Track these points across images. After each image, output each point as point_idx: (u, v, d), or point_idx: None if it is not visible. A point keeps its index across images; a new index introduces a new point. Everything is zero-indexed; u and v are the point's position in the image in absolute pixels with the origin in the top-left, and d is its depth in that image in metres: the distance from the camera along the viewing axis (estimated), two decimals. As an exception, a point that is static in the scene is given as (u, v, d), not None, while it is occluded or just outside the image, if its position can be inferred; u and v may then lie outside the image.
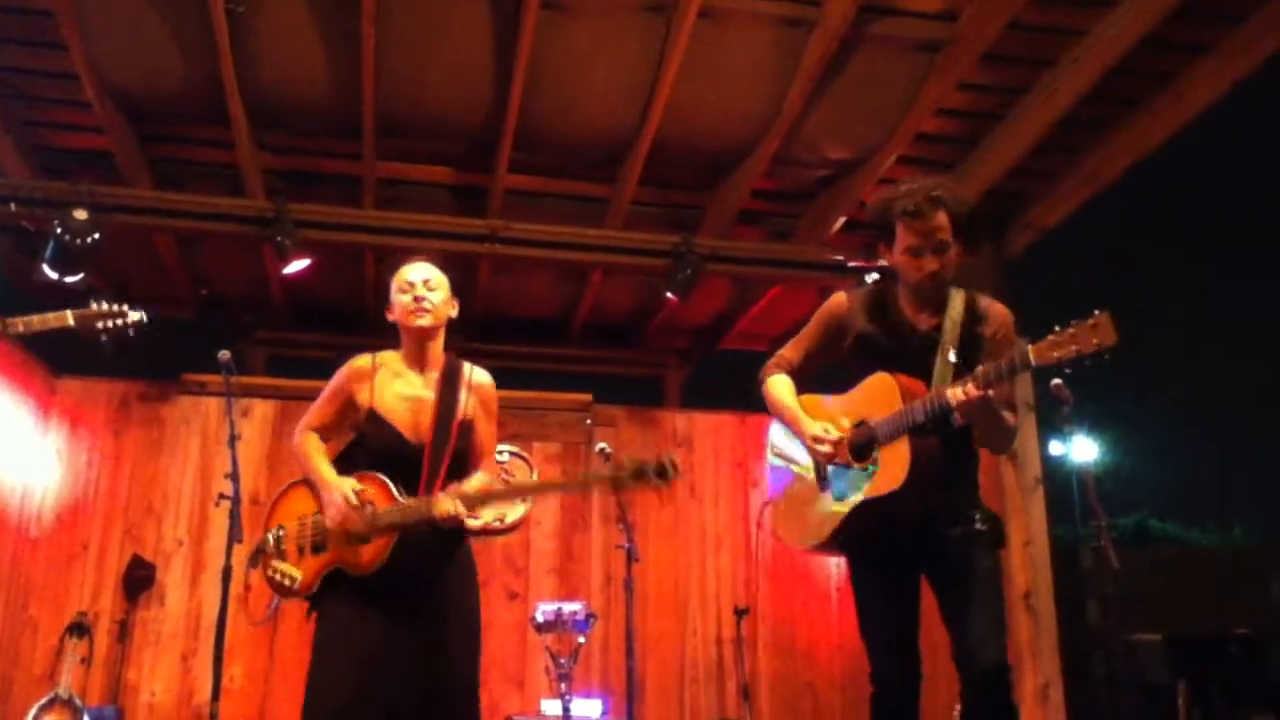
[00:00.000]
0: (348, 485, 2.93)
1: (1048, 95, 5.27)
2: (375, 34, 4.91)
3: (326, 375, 3.22)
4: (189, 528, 6.35)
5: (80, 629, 5.92)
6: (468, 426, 3.09)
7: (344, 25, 4.96)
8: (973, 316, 2.84)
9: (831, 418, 2.91)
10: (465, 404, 3.10)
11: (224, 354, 4.10)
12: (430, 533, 2.90)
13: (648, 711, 6.41)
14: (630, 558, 4.60)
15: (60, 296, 5.98)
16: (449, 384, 3.11)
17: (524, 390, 7.01)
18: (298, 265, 5.79)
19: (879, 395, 2.80)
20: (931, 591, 2.86)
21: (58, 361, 6.41)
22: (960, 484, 2.86)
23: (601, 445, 4.69)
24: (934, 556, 2.83)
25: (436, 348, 3.17)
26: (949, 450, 2.75)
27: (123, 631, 6.05)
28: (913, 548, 2.84)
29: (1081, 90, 5.10)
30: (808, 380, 3.12)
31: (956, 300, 2.84)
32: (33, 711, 5.52)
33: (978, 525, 2.81)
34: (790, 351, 3.12)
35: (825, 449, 2.85)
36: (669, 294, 6.10)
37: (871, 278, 6.02)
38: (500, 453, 6.25)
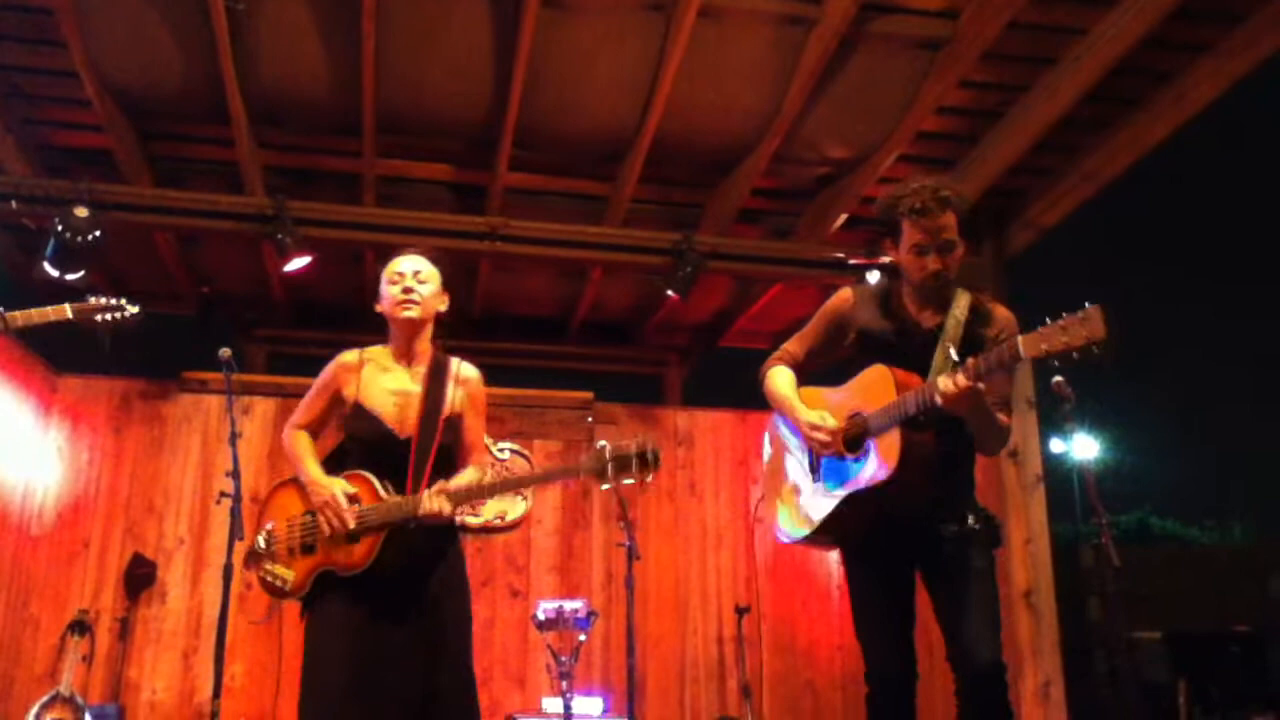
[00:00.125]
0: (337, 486, 2.92)
1: (1048, 94, 5.27)
2: (375, 31, 4.91)
3: (325, 370, 3.20)
4: (190, 526, 6.36)
5: (81, 627, 5.92)
6: (455, 421, 3.07)
7: (344, 22, 4.95)
8: (977, 317, 2.84)
9: (829, 409, 2.91)
10: (452, 398, 3.08)
11: (224, 352, 4.09)
12: (419, 531, 2.89)
13: (649, 710, 6.42)
14: (631, 556, 4.60)
15: (61, 294, 6.01)
16: (436, 378, 3.08)
17: (525, 388, 7.02)
18: (298, 263, 5.79)
19: (874, 387, 2.80)
20: (926, 590, 2.86)
21: (59, 359, 6.41)
22: (955, 482, 2.85)
23: (602, 443, 4.67)
24: (928, 554, 2.83)
25: (424, 341, 3.14)
26: (943, 446, 2.75)
27: (124, 629, 6.06)
28: (907, 545, 2.84)
29: (1082, 89, 5.10)
30: (811, 374, 3.13)
31: (961, 300, 2.85)
32: (34, 709, 5.52)
33: (972, 524, 2.80)
34: (794, 345, 3.14)
35: (821, 437, 2.85)
36: (669, 292, 6.10)
37: (872, 275, 6.02)
38: (501, 450, 6.28)
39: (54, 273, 5.40)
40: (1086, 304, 2.35)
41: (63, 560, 6.19)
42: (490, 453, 6.44)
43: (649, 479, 2.87)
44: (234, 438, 4.04)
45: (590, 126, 5.71)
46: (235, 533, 3.95)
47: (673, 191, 6.52)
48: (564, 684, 4.81)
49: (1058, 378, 4.04)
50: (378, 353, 3.13)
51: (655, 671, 6.56)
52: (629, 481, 2.90)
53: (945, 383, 2.58)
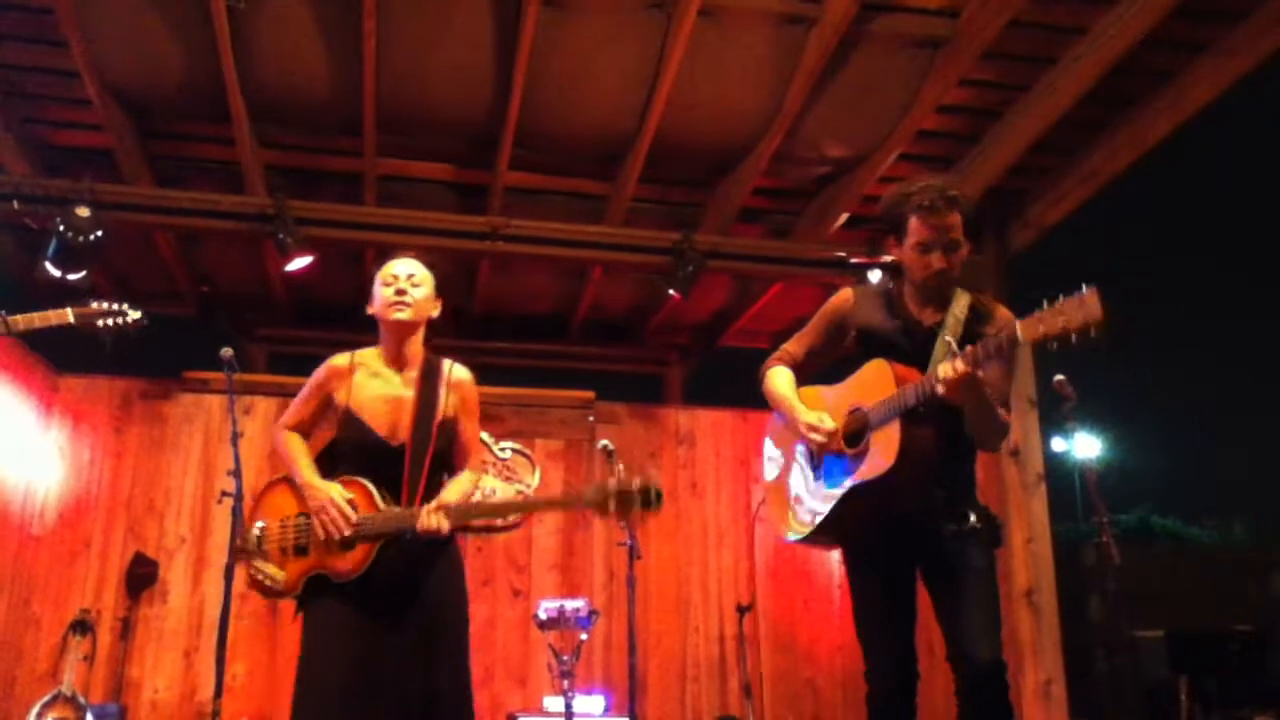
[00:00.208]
0: (335, 492, 2.89)
1: (1049, 93, 5.27)
2: (376, 30, 4.91)
3: (317, 371, 3.19)
4: (191, 525, 6.36)
5: (83, 626, 5.93)
6: (448, 426, 3.05)
7: (345, 21, 4.95)
8: (977, 315, 2.84)
9: (829, 407, 2.91)
10: (445, 403, 3.06)
11: (226, 351, 4.09)
12: (415, 539, 2.87)
13: (650, 708, 6.42)
14: (632, 555, 4.60)
15: (62, 294, 6.01)
16: (428, 382, 3.06)
17: (526, 388, 7.02)
18: (299, 262, 5.80)
19: (874, 382, 2.80)
20: (926, 590, 2.86)
21: (60, 359, 6.42)
22: (956, 480, 2.85)
23: (604, 442, 4.69)
24: (929, 553, 2.82)
25: (415, 345, 3.10)
26: (943, 442, 2.75)
27: (125, 629, 6.07)
28: (907, 544, 2.83)
29: (1082, 88, 5.09)
30: (810, 374, 3.12)
31: (961, 300, 2.85)
32: (35, 709, 5.52)
33: (973, 523, 2.80)
34: (793, 345, 3.13)
35: (819, 437, 2.85)
36: (670, 291, 6.10)
37: (873, 275, 6.02)
38: (503, 450, 6.28)
39: (55, 272, 5.40)
40: (1083, 286, 2.34)
41: (64, 559, 6.19)
42: (491, 451, 6.43)
43: (648, 516, 2.87)
44: (235, 437, 4.04)
45: (591, 126, 5.72)
46: (236, 532, 3.96)
47: (673, 191, 6.52)
48: (565, 683, 4.81)
49: (1059, 376, 4.04)
50: (368, 356, 3.10)
51: (656, 670, 6.56)
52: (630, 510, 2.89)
53: (945, 369, 2.58)
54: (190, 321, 7.90)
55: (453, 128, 5.77)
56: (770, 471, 3.19)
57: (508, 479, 5.91)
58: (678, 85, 5.27)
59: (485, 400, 3.29)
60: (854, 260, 6.15)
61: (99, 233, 5.32)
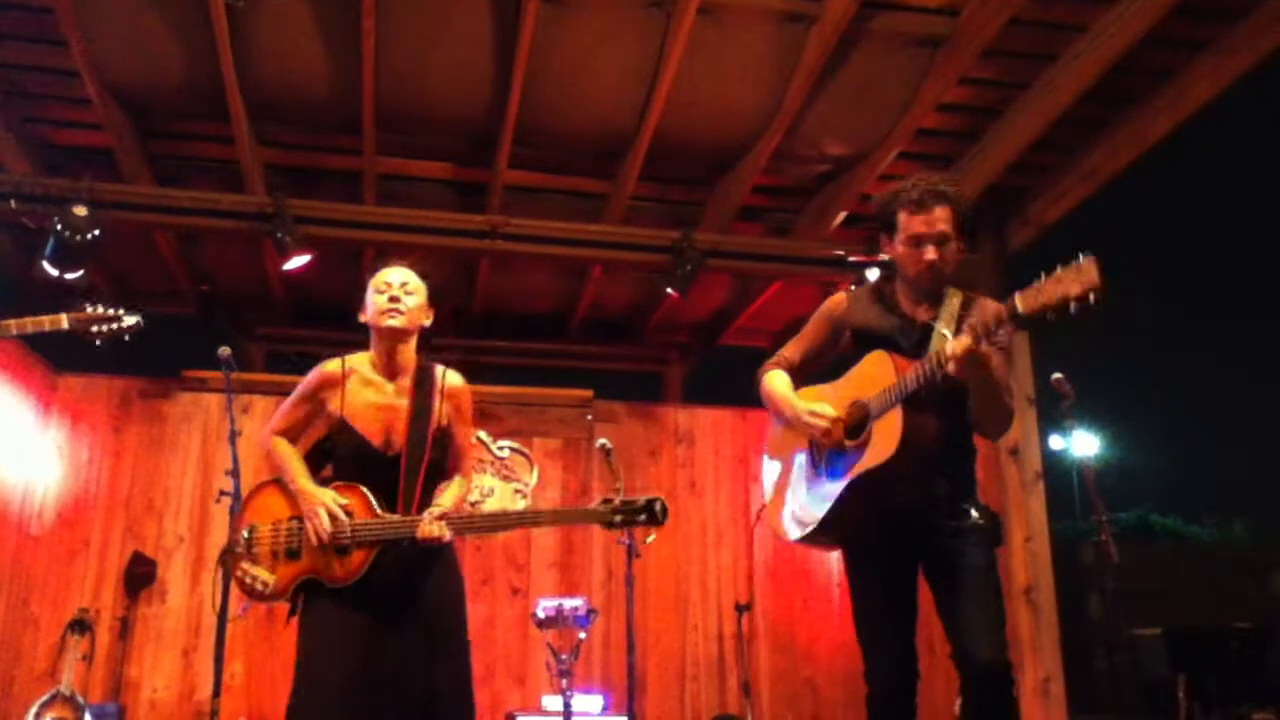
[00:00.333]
0: (328, 497, 2.88)
1: (1049, 91, 5.26)
2: (375, 29, 4.91)
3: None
4: (190, 524, 6.36)
5: (81, 626, 5.92)
6: (443, 434, 3.05)
7: (344, 20, 4.95)
8: (969, 311, 2.84)
9: (830, 403, 2.90)
10: (440, 411, 3.05)
11: (224, 350, 4.09)
12: (411, 546, 2.87)
13: (649, 707, 6.42)
14: (631, 554, 4.60)
15: (61, 293, 6.00)
16: (422, 390, 3.04)
17: (525, 386, 7.02)
18: (298, 261, 5.79)
19: (874, 373, 2.79)
20: (928, 588, 2.85)
21: (58, 358, 6.41)
22: (957, 476, 2.85)
23: (602, 441, 4.68)
24: (930, 551, 2.82)
25: (408, 353, 3.08)
26: (945, 431, 2.74)
27: (124, 628, 6.06)
28: (908, 541, 2.82)
29: (1082, 86, 5.09)
30: (807, 377, 3.12)
31: (954, 297, 2.84)
32: (34, 708, 5.52)
33: (975, 520, 2.79)
34: (790, 350, 3.13)
35: (820, 423, 2.83)
36: (669, 290, 6.10)
37: (872, 273, 6.01)
38: (501, 449, 6.29)
39: (53, 272, 5.40)
40: (1080, 255, 2.34)
41: (63, 559, 6.19)
42: (489, 450, 6.44)
43: (653, 532, 2.91)
44: (233, 436, 4.04)
45: (590, 124, 5.71)
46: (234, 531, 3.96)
47: (672, 189, 6.52)
48: (564, 682, 4.81)
49: (1057, 374, 4.04)
50: (360, 362, 3.08)
51: (655, 669, 6.56)
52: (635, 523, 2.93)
53: (952, 345, 2.56)
54: (190, 320, 7.90)
55: (452, 126, 5.77)
56: (770, 480, 3.18)
57: (506, 477, 5.92)
58: (677, 83, 5.26)
59: (484, 399, 3.29)
60: (853, 259, 6.15)
61: (96, 232, 5.32)
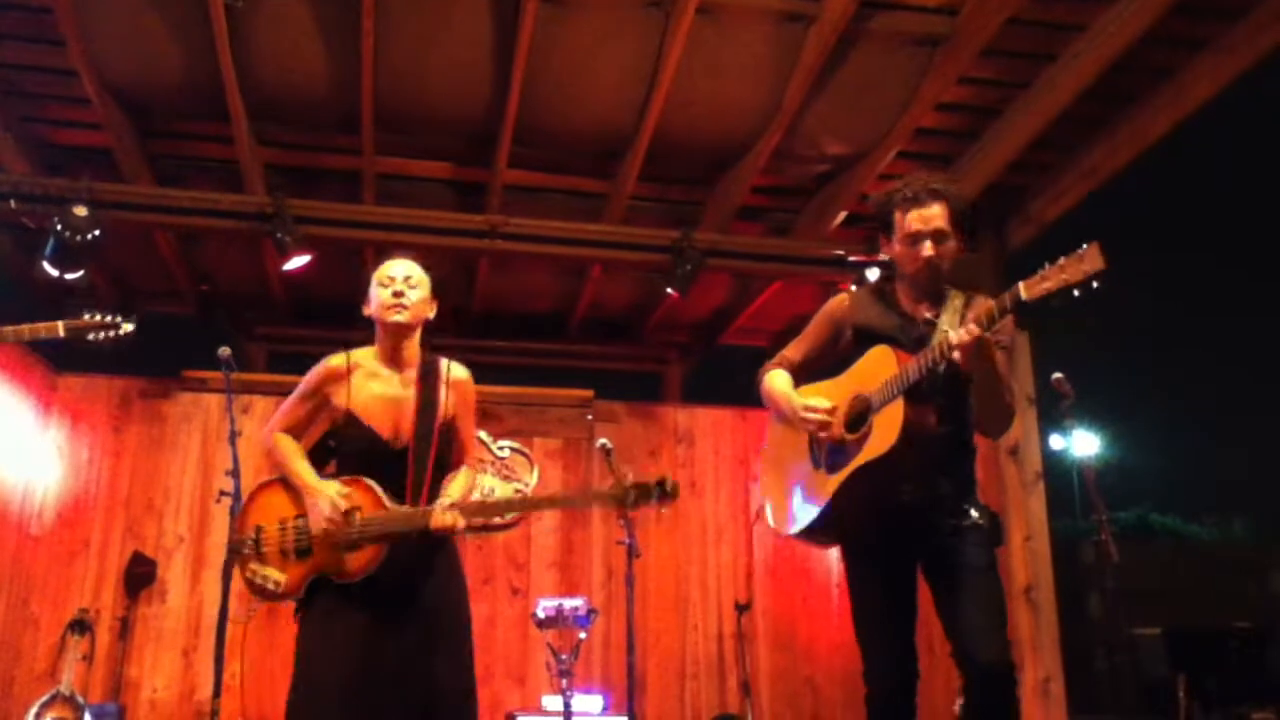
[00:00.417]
0: (334, 491, 2.87)
1: (1048, 90, 5.26)
2: (375, 28, 4.91)
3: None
4: (190, 524, 6.36)
5: (81, 626, 5.92)
6: (449, 426, 3.05)
7: (343, 19, 4.95)
8: (971, 310, 2.84)
9: (831, 399, 2.90)
10: (446, 403, 3.05)
11: (224, 350, 4.09)
12: (418, 539, 2.86)
13: (649, 707, 6.42)
14: (631, 553, 4.59)
15: (60, 293, 6.01)
16: (428, 383, 3.05)
17: (525, 386, 7.02)
18: (297, 261, 5.79)
19: (876, 367, 2.79)
20: (928, 589, 2.84)
21: (58, 358, 6.41)
22: (958, 475, 2.85)
23: (602, 441, 4.67)
24: (929, 551, 2.81)
25: (412, 346, 3.09)
26: (946, 426, 2.75)
27: (124, 628, 6.06)
28: (908, 540, 2.82)
29: (1082, 85, 5.09)
30: (808, 379, 3.11)
31: (957, 298, 2.84)
32: (34, 709, 5.52)
33: (975, 519, 2.79)
34: (791, 350, 3.13)
35: (819, 417, 2.83)
36: (669, 290, 6.10)
37: (871, 273, 6.02)
38: (502, 449, 6.27)
39: (53, 272, 5.40)
40: (1083, 245, 2.35)
41: (63, 559, 6.19)
42: (489, 450, 6.43)
43: (666, 508, 2.92)
44: (233, 436, 4.04)
45: (590, 123, 5.71)
46: (233, 532, 3.96)
47: (672, 189, 6.51)
48: (564, 682, 4.81)
49: (1057, 374, 4.04)
50: (365, 356, 3.08)
51: (655, 669, 6.56)
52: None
53: (958, 333, 2.57)
54: (189, 320, 7.90)
55: (451, 126, 5.77)
56: (769, 476, 3.18)
57: (506, 478, 5.90)
58: (677, 83, 5.26)
59: (484, 399, 3.29)
60: (853, 258, 6.15)
61: (96, 232, 5.32)
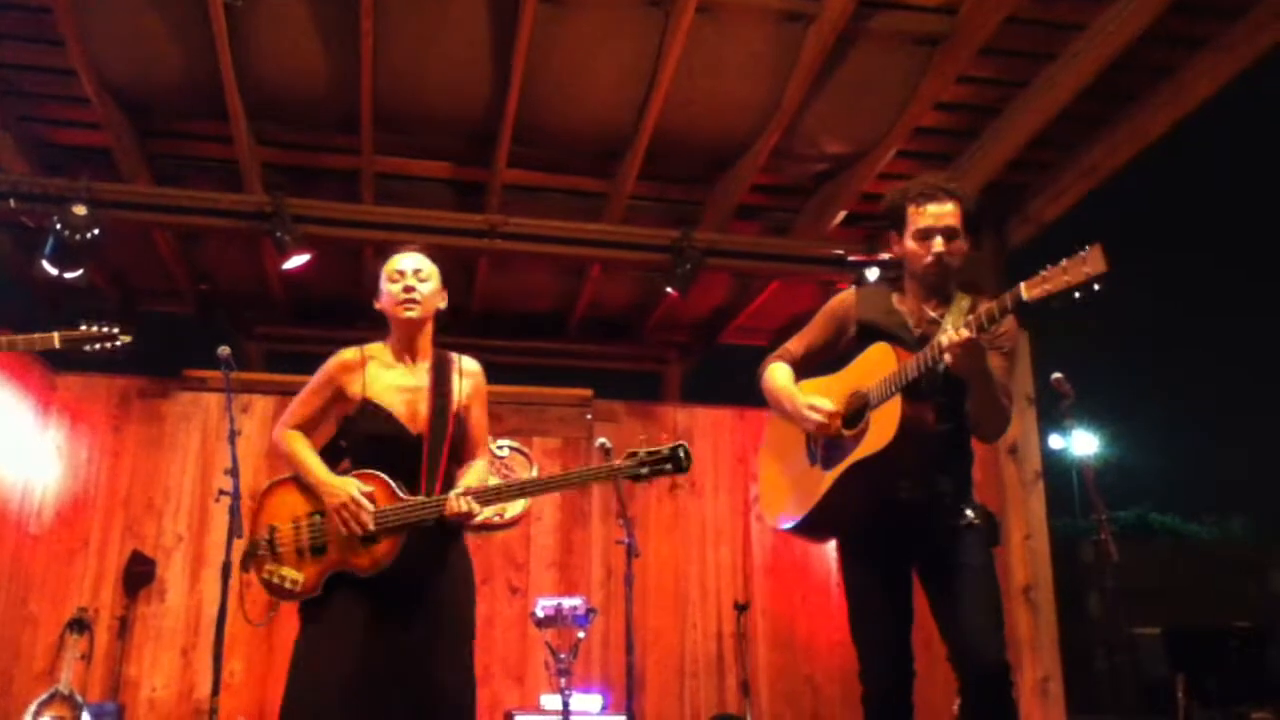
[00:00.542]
0: (353, 487, 2.86)
1: (1048, 89, 5.26)
2: (374, 28, 4.91)
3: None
4: (189, 523, 6.36)
5: (80, 625, 5.92)
6: (463, 415, 3.06)
7: (342, 19, 4.95)
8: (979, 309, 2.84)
9: (830, 395, 2.90)
10: (459, 392, 3.07)
11: (223, 350, 4.09)
12: (434, 531, 2.86)
13: (648, 706, 6.42)
14: (630, 553, 4.59)
15: (60, 292, 6.01)
16: (441, 374, 3.06)
17: (524, 386, 7.02)
18: (297, 260, 5.79)
19: (876, 364, 2.79)
20: (923, 590, 2.84)
21: (58, 358, 6.40)
22: (955, 474, 2.85)
23: (602, 440, 4.67)
24: (925, 551, 2.81)
25: (425, 339, 3.11)
26: (943, 424, 2.75)
27: (123, 627, 6.06)
28: (904, 540, 2.82)
29: (1081, 84, 5.09)
30: (810, 373, 3.12)
31: (963, 299, 2.84)
32: (33, 707, 5.52)
33: (971, 519, 2.80)
34: (793, 344, 3.13)
35: (818, 417, 2.83)
36: (669, 289, 6.10)
37: (871, 272, 6.02)
38: (500, 448, 6.28)
39: (52, 271, 5.40)
40: (1085, 246, 2.35)
41: (62, 558, 6.19)
42: (489, 450, 6.43)
43: (684, 474, 2.91)
44: (233, 436, 4.04)
45: (589, 122, 5.71)
46: (234, 530, 3.95)
47: (671, 188, 6.51)
48: (563, 681, 4.81)
49: (1057, 374, 4.04)
50: (378, 350, 3.09)
51: (654, 668, 6.56)
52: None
53: (949, 334, 2.58)
54: (189, 320, 7.89)
55: (450, 125, 5.76)
56: (766, 470, 3.18)
57: (505, 476, 5.90)
58: (676, 82, 5.26)
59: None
60: (852, 258, 6.15)
61: (96, 231, 5.31)
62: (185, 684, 6.09)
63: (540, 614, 5.09)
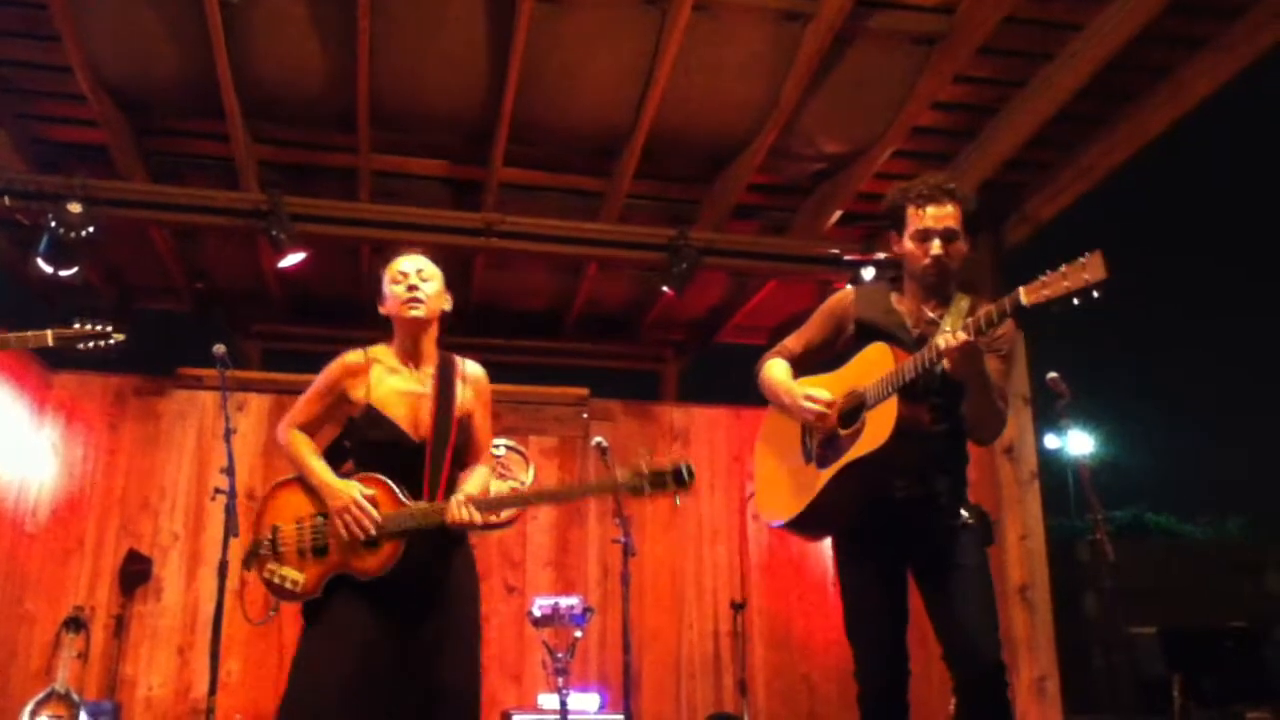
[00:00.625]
0: (355, 490, 2.85)
1: (1045, 89, 5.26)
2: (370, 26, 4.90)
3: (322, 369, 3.16)
4: (185, 522, 6.35)
5: (77, 624, 5.91)
6: (466, 421, 3.05)
7: (339, 17, 4.94)
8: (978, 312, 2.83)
9: (828, 391, 2.90)
10: (462, 398, 3.05)
11: (219, 348, 4.08)
12: (437, 535, 2.85)
13: (644, 705, 6.42)
14: (627, 552, 4.59)
15: (55, 290, 6.00)
16: (445, 378, 3.05)
17: (520, 384, 7.01)
18: (293, 259, 5.78)
19: (874, 364, 2.79)
20: (919, 590, 2.84)
21: (53, 356, 6.38)
22: (951, 474, 2.85)
23: (598, 440, 4.67)
24: (920, 551, 2.82)
25: (430, 341, 3.11)
26: (939, 426, 2.75)
27: (119, 626, 6.05)
28: (899, 539, 2.82)
29: (1079, 83, 5.09)
30: (807, 371, 3.12)
31: (963, 300, 2.84)
32: (29, 706, 5.51)
33: (965, 519, 2.80)
34: (792, 341, 3.13)
35: (815, 408, 2.84)
36: (665, 288, 6.09)
37: (867, 272, 6.02)
38: (496, 447, 6.26)
39: (48, 269, 5.39)
40: (1085, 253, 2.35)
41: (58, 557, 6.18)
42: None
43: (685, 493, 2.90)
44: (229, 434, 4.04)
45: (586, 121, 5.71)
46: (230, 529, 3.95)
47: (669, 187, 6.51)
48: (560, 680, 4.81)
49: (1053, 374, 4.04)
50: (382, 352, 3.07)
51: (651, 667, 6.56)
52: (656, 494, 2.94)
53: (945, 337, 2.58)
54: (185, 317, 7.89)
55: (447, 123, 5.76)
56: (762, 466, 3.18)
57: (502, 476, 5.89)
58: (673, 80, 5.26)
59: (483, 398, 3.26)
60: (849, 257, 6.15)
61: (91, 229, 5.30)
62: (182, 683, 6.08)
63: (537, 613, 5.09)
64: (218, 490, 4.16)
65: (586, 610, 5.09)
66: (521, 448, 5.83)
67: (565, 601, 5.10)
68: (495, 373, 3.27)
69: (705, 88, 5.41)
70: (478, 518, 2.84)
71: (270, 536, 2.94)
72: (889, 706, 2.80)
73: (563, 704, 4.79)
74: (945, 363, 2.59)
